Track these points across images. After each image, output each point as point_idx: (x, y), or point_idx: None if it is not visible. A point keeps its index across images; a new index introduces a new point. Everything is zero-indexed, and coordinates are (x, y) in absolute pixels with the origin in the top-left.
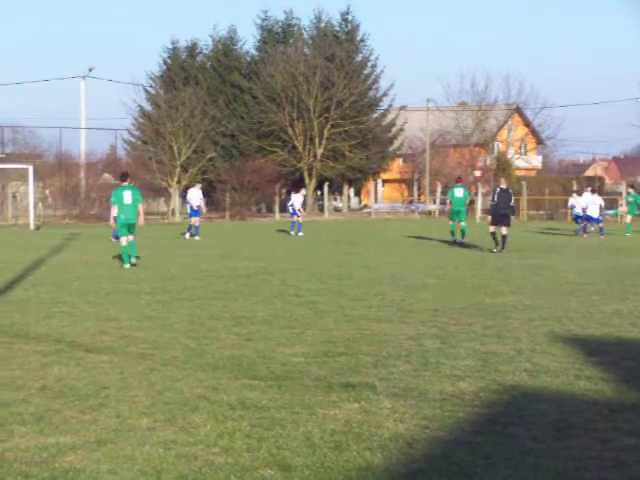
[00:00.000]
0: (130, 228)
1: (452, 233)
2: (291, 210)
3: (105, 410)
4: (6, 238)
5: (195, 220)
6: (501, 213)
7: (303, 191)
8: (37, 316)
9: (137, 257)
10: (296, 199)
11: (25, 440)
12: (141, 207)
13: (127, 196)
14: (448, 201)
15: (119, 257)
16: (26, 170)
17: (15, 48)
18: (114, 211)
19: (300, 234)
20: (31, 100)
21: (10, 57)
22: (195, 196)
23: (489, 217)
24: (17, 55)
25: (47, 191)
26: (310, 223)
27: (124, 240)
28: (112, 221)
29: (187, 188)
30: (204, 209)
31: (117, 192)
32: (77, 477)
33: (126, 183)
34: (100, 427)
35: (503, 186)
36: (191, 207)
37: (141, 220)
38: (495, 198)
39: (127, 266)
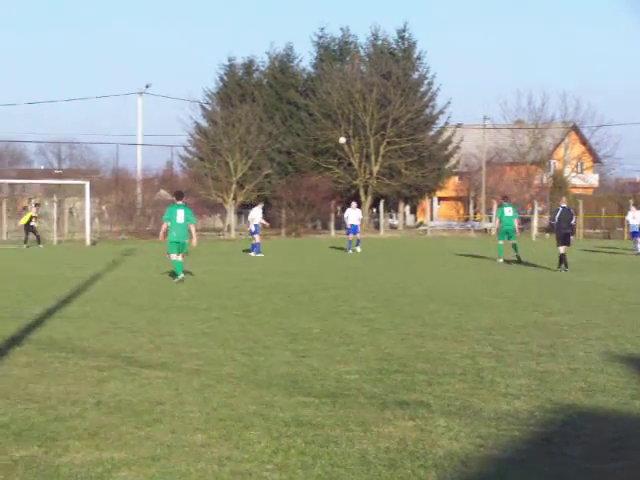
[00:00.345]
0: (180, 247)
1: (500, 252)
2: (349, 227)
3: (160, 426)
4: (63, 254)
5: (256, 237)
6: (563, 232)
7: (354, 204)
8: (93, 331)
9: (185, 274)
10: (352, 214)
11: (80, 455)
12: (193, 227)
13: (180, 215)
14: (497, 220)
15: (172, 273)
16: (83, 186)
17: (72, 64)
18: (164, 227)
19: (357, 249)
20: (88, 116)
21: (67, 73)
22: (257, 215)
23: (547, 235)
24: (74, 71)
25: (103, 207)
26: (366, 240)
27: (174, 256)
28: (162, 236)
29: (248, 206)
30: (262, 226)
31: (171, 210)
32: None
33: (180, 202)
34: (155, 443)
35: (564, 205)
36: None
37: (194, 241)
38: (557, 217)
39: (181, 276)
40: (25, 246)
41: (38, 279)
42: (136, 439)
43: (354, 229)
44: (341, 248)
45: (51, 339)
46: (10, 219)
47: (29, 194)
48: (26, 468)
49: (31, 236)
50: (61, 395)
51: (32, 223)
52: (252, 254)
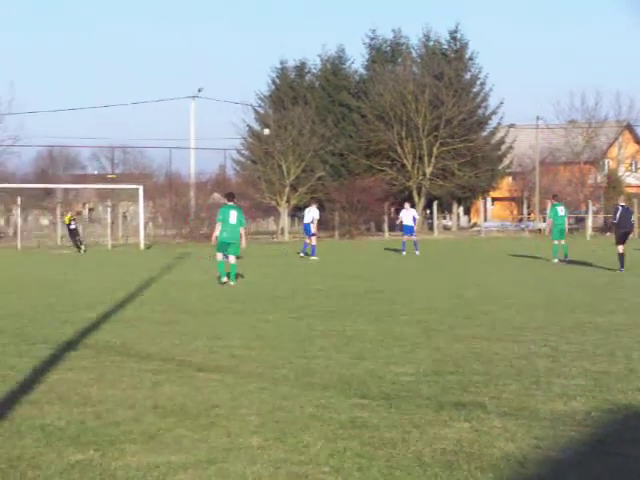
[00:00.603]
0: (230, 248)
1: (555, 252)
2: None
3: (216, 429)
4: (117, 258)
5: (313, 239)
6: (623, 232)
7: (407, 205)
8: (148, 335)
9: (237, 277)
10: (405, 215)
11: (136, 459)
12: (243, 230)
13: (233, 216)
14: (549, 220)
15: (225, 275)
16: (136, 190)
17: (124, 69)
18: (218, 228)
19: (416, 253)
20: (141, 121)
21: (120, 78)
22: (316, 214)
23: (607, 234)
24: (127, 76)
25: (157, 211)
26: (419, 242)
27: (220, 256)
28: (214, 238)
29: (301, 208)
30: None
31: (224, 210)
32: None
33: (232, 203)
34: (211, 446)
35: (623, 204)
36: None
37: (243, 243)
38: (617, 216)
39: (224, 279)
40: (82, 251)
41: (93, 283)
42: (192, 442)
43: (408, 230)
44: (396, 250)
45: (107, 343)
46: (64, 224)
47: (83, 199)
48: (82, 472)
49: (71, 241)
50: (117, 399)
51: (72, 226)
52: (301, 254)
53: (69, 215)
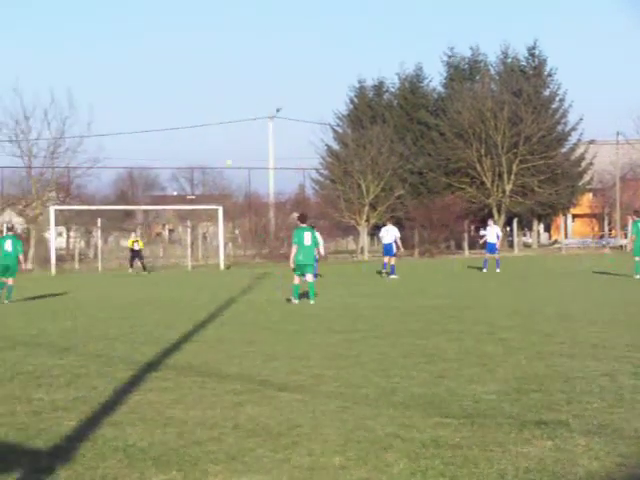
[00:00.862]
0: (306, 268)
1: (638, 269)
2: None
3: (297, 449)
4: (197, 278)
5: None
6: None
7: (490, 222)
8: (229, 355)
9: (315, 295)
10: (490, 232)
11: (219, 479)
12: (318, 249)
13: (307, 237)
14: (631, 236)
15: (302, 295)
16: (216, 211)
17: (203, 90)
18: (294, 250)
19: (496, 270)
20: (220, 142)
21: (198, 100)
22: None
23: None
24: (205, 98)
25: (236, 231)
26: (500, 259)
27: (297, 279)
28: (292, 262)
29: (379, 227)
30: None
31: (298, 232)
32: None
33: (305, 225)
34: (292, 466)
35: None
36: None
37: (321, 250)
38: None
39: (296, 301)
40: (131, 271)
41: (173, 304)
42: (274, 462)
43: (491, 248)
44: (477, 268)
45: (188, 363)
46: (146, 244)
47: (163, 220)
48: None
49: (137, 263)
50: (198, 419)
51: (136, 248)
52: (385, 274)
53: (132, 239)
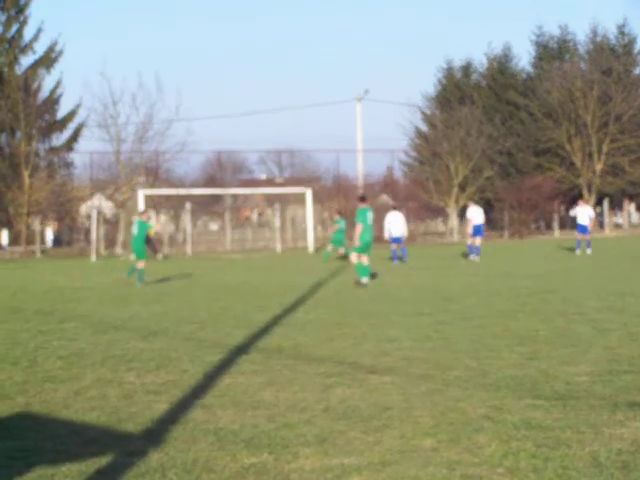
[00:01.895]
0: (368, 249)
1: None
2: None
3: (388, 431)
4: (287, 261)
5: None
6: None
7: (581, 202)
8: (319, 338)
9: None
10: (580, 212)
11: (310, 461)
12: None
13: (370, 217)
14: None
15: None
16: (304, 194)
17: (290, 73)
18: (359, 229)
19: (587, 251)
20: (308, 124)
21: (286, 82)
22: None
23: None
24: (293, 80)
25: (325, 214)
26: (591, 240)
27: (355, 257)
28: (357, 240)
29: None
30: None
31: (362, 212)
32: None
33: (366, 205)
34: (384, 448)
35: None
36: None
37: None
38: None
39: (366, 280)
40: (160, 257)
41: (263, 287)
42: (365, 444)
43: (582, 229)
44: (570, 249)
45: (278, 346)
46: (234, 229)
47: (251, 204)
48: (257, 475)
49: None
50: (289, 402)
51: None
52: (473, 257)
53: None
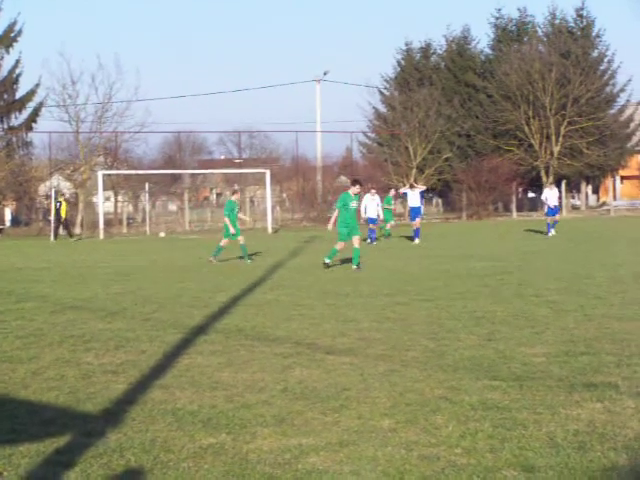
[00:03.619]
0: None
1: None
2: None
3: (346, 412)
4: (246, 242)
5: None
6: None
7: (552, 184)
8: (277, 319)
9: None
10: (550, 195)
11: (268, 442)
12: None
13: (354, 204)
14: None
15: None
16: (263, 175)
17: (251, 53)
18: (336, 215)
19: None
20: (268, 105)
21: (246, 63)
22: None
23: None
24: (252, 61)
25: (284, 195)
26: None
27: (342, 245)
28: (332, 224)
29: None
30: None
31: (345, 197)
32: (320, 478)
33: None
34: (342, 428)
35: None
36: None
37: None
38: None
39: (328, 261)
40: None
41: (222, 267)
42: (323, 425)
43: (553, 211)
44: (528, 231)
45: (236, 327)
46: (192, 210)
47: (210, 184)
48: (215, 455)
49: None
50: (247, 382)
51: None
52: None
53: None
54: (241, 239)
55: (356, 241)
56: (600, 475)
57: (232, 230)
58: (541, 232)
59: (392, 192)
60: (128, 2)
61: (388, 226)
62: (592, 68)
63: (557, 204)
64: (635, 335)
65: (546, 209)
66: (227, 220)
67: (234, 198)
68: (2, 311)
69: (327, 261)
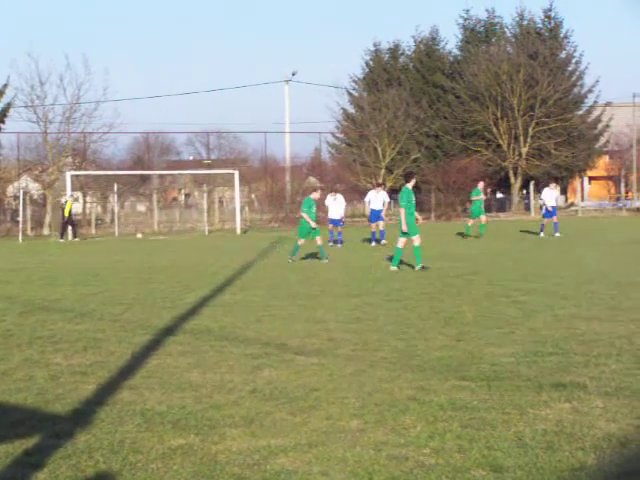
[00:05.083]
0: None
1: None
2: (544, 210)
3: (315, 412)
4: (214, 242)
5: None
6: None
7: (553, 185)
8: (246, 319)
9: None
10: (548, 195)
11: (237, 442)
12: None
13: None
14: None
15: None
16: (232, 175)
17: (218, 54)
18: (404, 213)
19: (541, 234)
20: (236, 106)
21: (214, 64)
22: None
23: None
24: (220, 61)
25: (253, 195)
26: (517, 222)
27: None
28: (404, 225)
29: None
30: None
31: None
32: (289, 479)
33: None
34: (311, 429)
35: None
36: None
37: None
38: None
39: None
40: (62, 240)
41: (190, 268)
42: (292, 426)
43: (551, 213)
44: (532, 232)
45: (205, 328)
46: (161, 210)
47: (179, 185)
48: (184, 456)
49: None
50: (216, 383)
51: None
52: (374, 244)
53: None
54: (319, 239)
55: (417, 240)
56: (568, 475)
57: (313, 225)
58: (535, 233)
59: (481, 184)
60: (97, 2)
61: (483, 220)
62: (560, 69)
63: (554, 205)
64: (603, 335)
65: (543, 210)
66: (305, 215)
67: (313, 196)
68: None
69: (392, 266)
